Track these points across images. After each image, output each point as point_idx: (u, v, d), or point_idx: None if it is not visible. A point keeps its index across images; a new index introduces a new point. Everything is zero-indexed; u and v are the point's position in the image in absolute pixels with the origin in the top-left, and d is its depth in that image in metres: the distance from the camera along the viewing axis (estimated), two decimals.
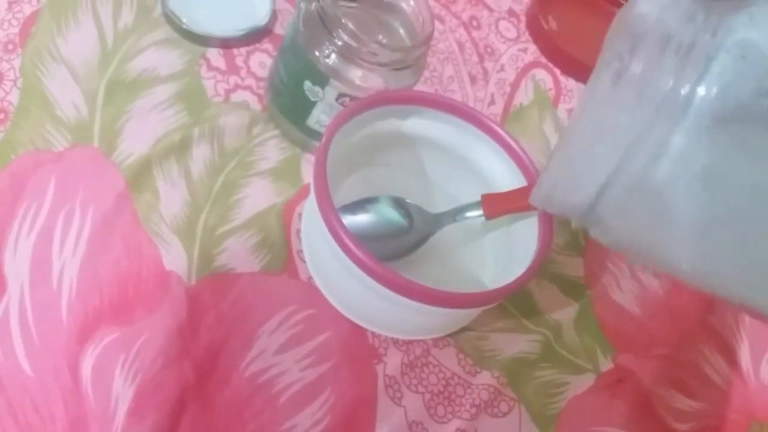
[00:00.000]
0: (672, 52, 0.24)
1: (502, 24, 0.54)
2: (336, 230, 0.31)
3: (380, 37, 0.38)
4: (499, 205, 0.36)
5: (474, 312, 0.37)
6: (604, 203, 0.26)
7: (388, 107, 0.37)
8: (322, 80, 0.36)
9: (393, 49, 0.36)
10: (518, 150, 0.37)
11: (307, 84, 0.37)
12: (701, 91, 0.23)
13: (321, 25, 0.35)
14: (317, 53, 0.36)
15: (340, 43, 0.35)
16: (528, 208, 0.36)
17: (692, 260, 0.26)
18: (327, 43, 0.35)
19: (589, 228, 0.28)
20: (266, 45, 0.45)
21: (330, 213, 0.31)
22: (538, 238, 0.35)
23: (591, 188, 0.26)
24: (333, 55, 0.36)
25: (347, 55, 0.35)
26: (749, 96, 0.23)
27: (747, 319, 0.45)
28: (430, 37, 0.37)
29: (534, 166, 0.37)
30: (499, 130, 0.38)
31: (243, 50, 0.45)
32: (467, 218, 0.37)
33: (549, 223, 0.35)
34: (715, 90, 0.23)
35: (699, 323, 0.44)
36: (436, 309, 0.32)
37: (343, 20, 0.35)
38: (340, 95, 0.37)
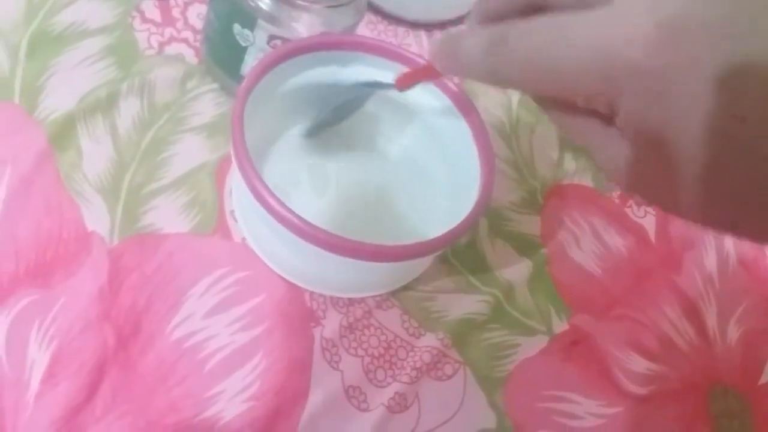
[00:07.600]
0: None
1: None
2: (251, 180, 0.28)
3: None
4: (410, 76, 0.32)
5: (416, 268, 0.36)
6: None
7: (324, 53, 0.35)
8: (250, 22, 0.34)
9: None
10: (468, 103, 0.35)
11: (237, 27, 0.35)
12: None
13: None
14: None
15: None
16: (437, 76, 0.32)
17: None
18: None
19: None
20: None
21: (245, 162, 0.29)
22: (479, 188, 0.33)
23: None
24: None
25: None
26: None
27: (716, 278, 0.43)
28: None
29: (484, 126, 0.35)
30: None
31: (180, 1, 0.42)
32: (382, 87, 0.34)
33: (490, 160, 0.33)
34: None
35: (664, 283, 0.42)
36: (365, 263, 0.30)
37: None
38: (272, 38, 0.34)
